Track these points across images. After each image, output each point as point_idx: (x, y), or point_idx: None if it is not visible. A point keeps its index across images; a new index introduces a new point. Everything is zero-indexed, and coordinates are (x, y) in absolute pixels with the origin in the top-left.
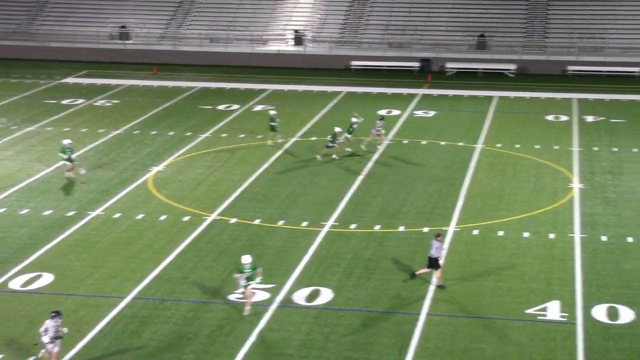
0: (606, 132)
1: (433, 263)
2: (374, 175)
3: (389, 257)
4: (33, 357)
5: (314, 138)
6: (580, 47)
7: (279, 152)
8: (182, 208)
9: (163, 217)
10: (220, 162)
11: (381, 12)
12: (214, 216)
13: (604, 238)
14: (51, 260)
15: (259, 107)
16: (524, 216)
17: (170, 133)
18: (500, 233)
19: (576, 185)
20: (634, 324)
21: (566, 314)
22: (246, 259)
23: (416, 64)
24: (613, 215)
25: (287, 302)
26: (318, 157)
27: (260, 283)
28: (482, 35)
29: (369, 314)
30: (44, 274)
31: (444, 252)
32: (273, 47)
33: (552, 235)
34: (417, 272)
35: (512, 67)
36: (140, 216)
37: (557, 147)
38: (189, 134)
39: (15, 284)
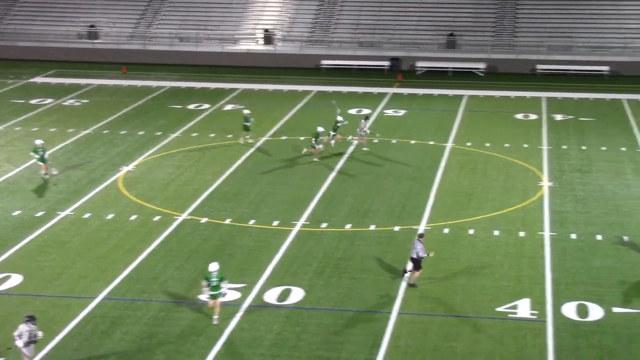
0: (575, 130)
1: (416, 264)
2: (345, 172)
3: (360, 256)
4: (3, 359)
5: (284, 137)
6: (549, 46)
7: (250, 152)
8: (152, 208)
9: (133, 217)
10: (191, 162)
11: (351, 11)
12: (184, 216)
13: (573, 236)
14: (20, 260)
15: (229, 107)
16: (494, 214)
17: (140, 132)
18: (471, 231)
19: (546, 183)
20: (604, 321)
21: (536, 312)
22: (213, 267)
23: (386, 63)
24: (582, 213)
25: (259, 301)
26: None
27: (223, 297)
28: (451, 35)
29: (341, 313)
30: (12, 274)
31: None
32: (243, 47)
33: (522, 233)
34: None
35: (482, 66)
36: (110, 216)
37: (526, 146)
38: (159, 133)
39: None
